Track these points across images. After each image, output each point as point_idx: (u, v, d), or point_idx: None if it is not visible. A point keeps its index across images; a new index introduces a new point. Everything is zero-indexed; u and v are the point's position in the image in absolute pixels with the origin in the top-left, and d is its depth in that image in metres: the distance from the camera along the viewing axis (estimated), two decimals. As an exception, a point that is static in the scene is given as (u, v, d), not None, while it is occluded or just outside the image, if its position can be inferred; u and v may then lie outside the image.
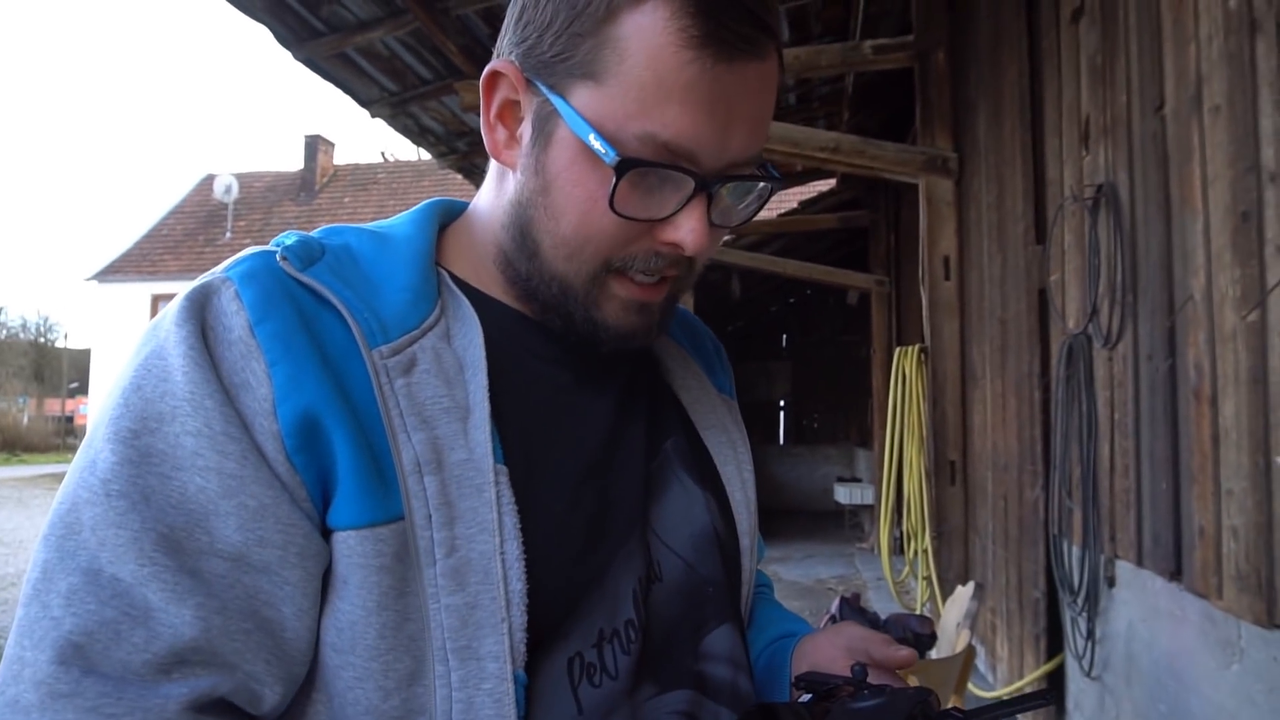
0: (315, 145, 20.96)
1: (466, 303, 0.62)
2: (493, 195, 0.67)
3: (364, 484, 0.54)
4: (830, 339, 13.27)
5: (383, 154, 22.25)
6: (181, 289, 0.58)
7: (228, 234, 19.41)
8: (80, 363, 26.33)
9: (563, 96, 0.58)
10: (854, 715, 0.61)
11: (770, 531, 10.07)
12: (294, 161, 23.42)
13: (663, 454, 0.70)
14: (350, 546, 0.53)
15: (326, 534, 0.55)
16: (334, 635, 0.54)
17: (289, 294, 0.57)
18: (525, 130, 0.61)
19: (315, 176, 20.82)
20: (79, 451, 0.55)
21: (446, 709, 0.53)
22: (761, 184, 0.63)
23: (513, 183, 0.63)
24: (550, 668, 0.57)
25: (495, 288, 0.66)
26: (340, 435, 0.54)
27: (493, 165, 0.67)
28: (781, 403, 13.91)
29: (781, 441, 13.88)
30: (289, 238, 0.61)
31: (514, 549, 0.55)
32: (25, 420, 24.60)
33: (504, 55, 0.62)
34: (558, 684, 0.58)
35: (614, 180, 0.56)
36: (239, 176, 20.46)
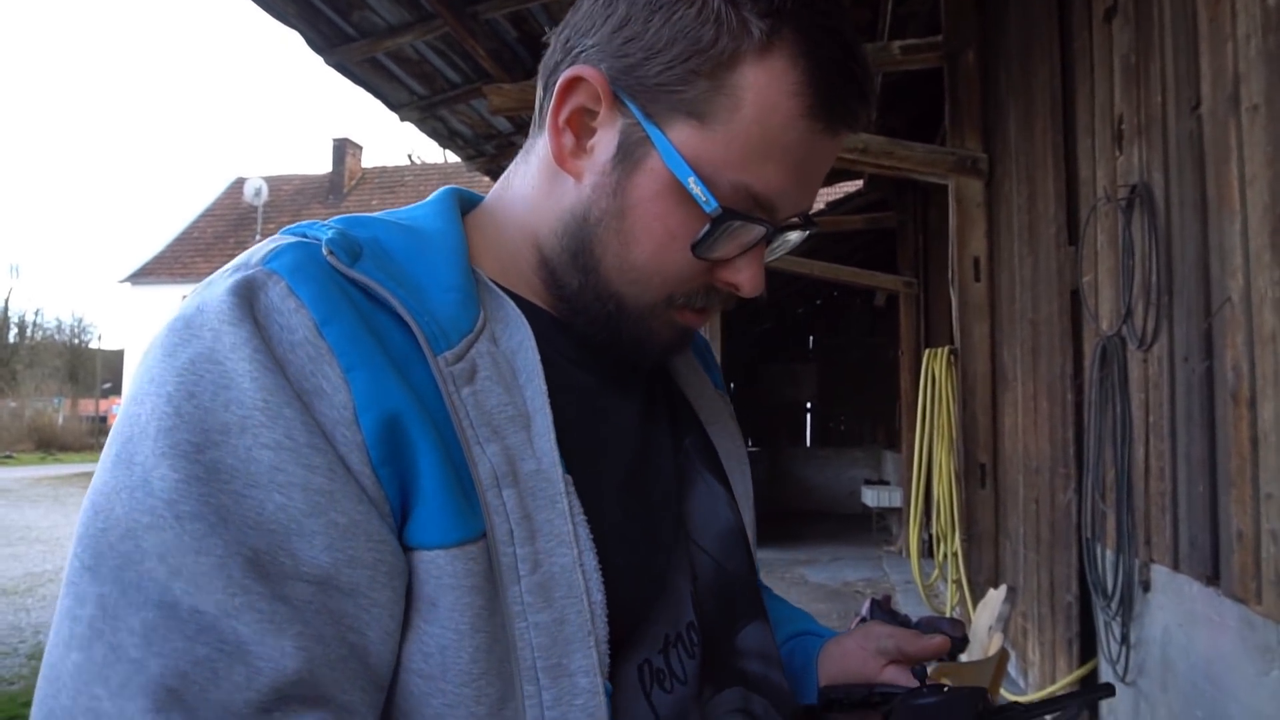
0: (343, 148, 21.22)
1: (510, 304, 0.59)
2: (538, 196, 0.63)
3: (451, 499, 0.50)
4: (857, 341, 13.20)
5: (410, 156, 22.42)
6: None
7: (257, 236, 19.66)
8: (113, 364, 26.80)
9: (660, 129, 0.56)
10: (918, 712, 0.62)
11: (796, 534, 10.04)
12: (322, 164, 23.74)
13: (683, 452, 0.70)
14: (440, 566, 0.49)
15: (404, 551, 0.51)
16: (421, 661, 0.50)
17: (344, 291, 0.52)
18: (602, 145, 0.59)
19: (343, 179, 21.07)
20: (107, 471, 0.48)
21: None
22: (808, 231, 0.65)
23: (573, 193, 0.61)
24: (624, 677, 0.56)
25: (524, 287, 0.63)
26: (425, 446, 0.50)
27: (541, 164, 0.63)
28: (808, 405, 13.85)
29: (808, 444, 13.83)
30: (322, 229, 0.55)
31: (591, 560, 0.53)
32: (60, 420, 25.05)
33: (586, 59, 0.59)
34: (633, 692, 0.57)
35: (706, 227, 0.57)
36: (268, 180, 20.74)
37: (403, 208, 0.64)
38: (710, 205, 0.56)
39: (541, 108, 0.63)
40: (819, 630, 0.85)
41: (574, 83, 0.58)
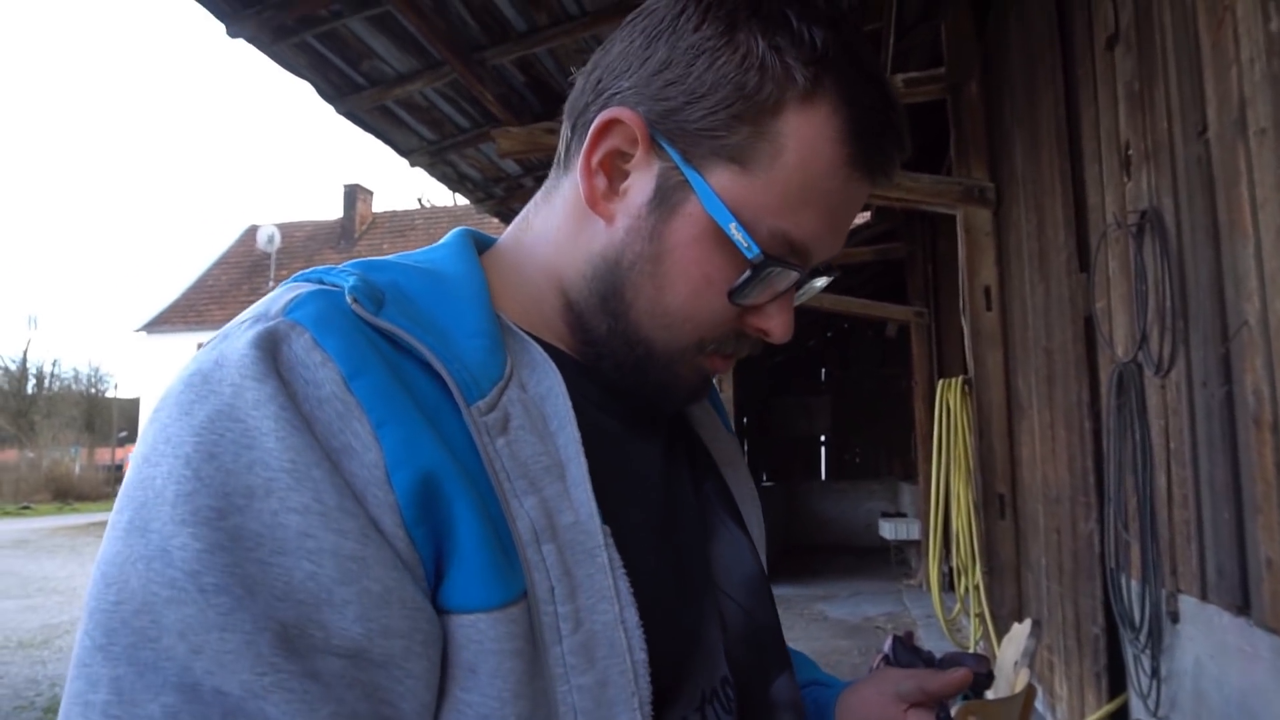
0: (354, 194, 21.49)
1: (536, 347, 0.56)
2: (564, 239, 0.62)
3: (492, 559, 0.47)
4: (869, 372, 13.17)
5: (419, 200, 22.71)
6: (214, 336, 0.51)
7: (270, 283, 19.87)
8: (129, 412, 26.98)
9: (699, 173, 0.56)
10: None
11: (814, 569, 9.93)
12: (334, 210, 24.09)
13: (703, 497, 0.68)
14: (481, 631, 0.47)
15: (439, 615, 0.48)
16: None
17: (371, 342, 0.50)
18: (636, 188, 0.58)
19: (354, 224, 21.32)
20: (118, 539, 0.45)
21: None
22: (831, 277, 0.65)
23: (604, 236, 0.59)
24: None
25: (545, 331, 0.62)
26: (463, 504, 0.47)
27: (568, 206, 0.62)
28: (822, 438, 13.78)
29: (823, 477, 13.73)
30: (341, 275, 0.53)
31: (632, 616, 0.51)
32: (77, 470, 25.16)
33: (621, 101, 0.58)
34: None
35: (746, 274, 0.56)
36: (281, 226, 21.00)
37: (416, 250, 0.63)
38: (752, 251, 0.55)
39: (568, 148, 0.62)
40: (825, 679, 0.82)
41: (610, 124, 0.57)
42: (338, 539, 0.44)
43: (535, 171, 5.88)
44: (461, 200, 6.51)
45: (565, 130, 0.63)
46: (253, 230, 21.90)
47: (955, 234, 4.39)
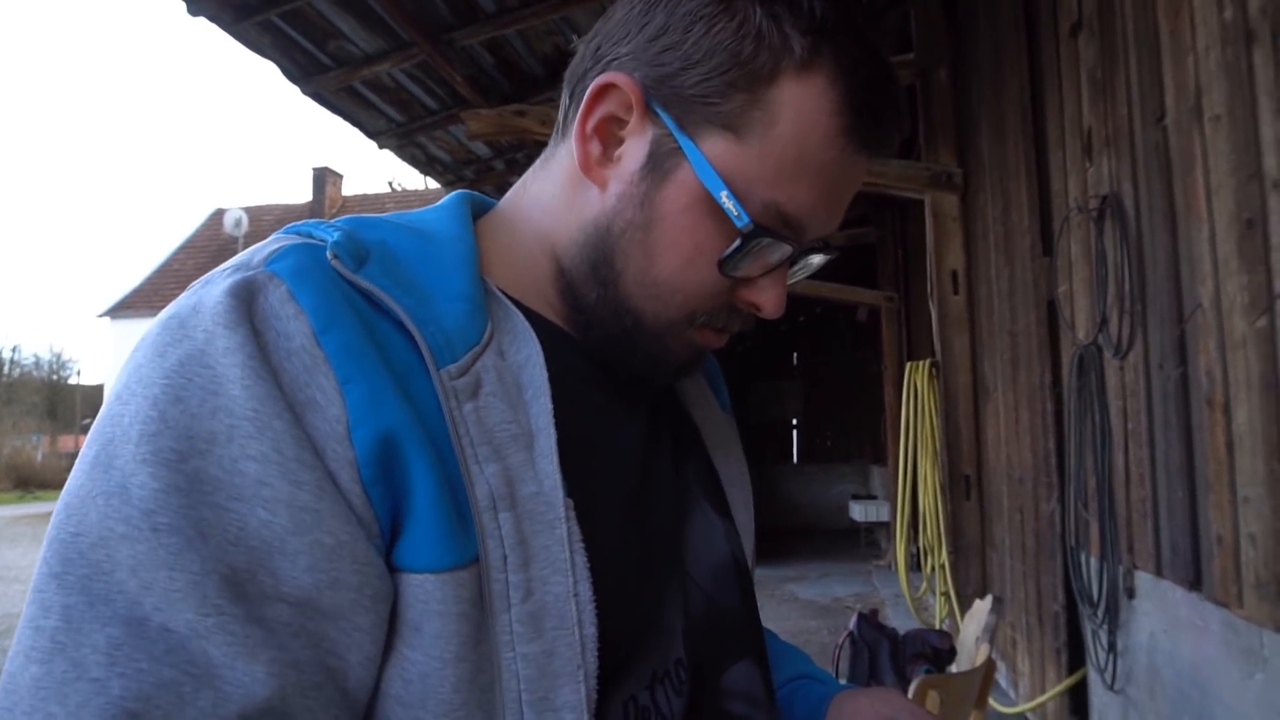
0: (324, 177, 21.19)
1: (519, 315, 0.56)
2: (558, 205, 0.62)
3: (444, 522, 0.48)
4: (841, 356, 13.27)
5: (390, 184, 22.46)
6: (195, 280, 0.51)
7: (238, 267, 19.54)
8: (93, 399, 26.55)
9: (693, 141, 0.55)
10: None
11: (785, 551, 10.03)
12: (303, 194, 23.77)
13: (683, 479, 0.67)
14: (428, 591, 0.47)
15: (391, 573, 0.48)
16: (400, 688, 0.47)
17: (347, 298, 0.50)
18: (630, 154, 0.58)
19: (324, 208, 21.01)
20: (83, 473, 0.46)
21: None
22: (829, 255, 0.64)
23: (597, 203, 0.59)
24: (609, 714, 0.53)
25: (536, 298, 0.61)
26: (422, 465, 0.48)
27: (563, 172, 0.62)
28: (794, 421, 13.88)
29: (795, 460, 13.85)
30: (328, 230, 0.53)
31: (585, 590, 0.51)
32: (39, 457, 24.73)
33: (619, 66, 0.58)
34: None
35: (736, 243, 0.56)
36: (248, 210, 20.67)
37: (413, 210, 0.62)
38: (742, 220, 0.55)
39: (566, 115, 0.62)
40: (818, 674, 0.81)
41: (606, 89, 0.57)
42: (293, 489, 0.45)
43: (505, 154, 5.85)
44: (433, 183, 6.45)
45: (564, 98, 0.62)
46: (219, 214, 21.53)
47: (924, 219, 4.43)
